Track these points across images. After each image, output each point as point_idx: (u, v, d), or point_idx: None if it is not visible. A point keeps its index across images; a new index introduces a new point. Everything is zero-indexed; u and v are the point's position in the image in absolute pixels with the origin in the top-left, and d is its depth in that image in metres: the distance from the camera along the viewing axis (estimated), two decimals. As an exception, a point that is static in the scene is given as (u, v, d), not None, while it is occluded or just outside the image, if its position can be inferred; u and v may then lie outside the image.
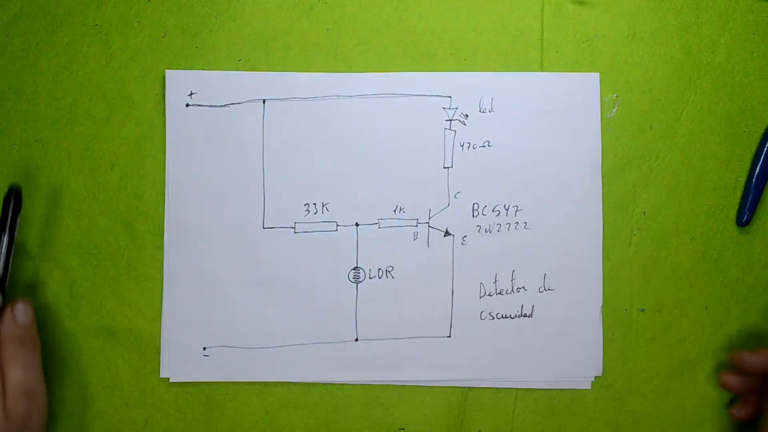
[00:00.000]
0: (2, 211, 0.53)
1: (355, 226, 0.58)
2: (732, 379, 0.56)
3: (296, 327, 0.58)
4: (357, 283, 0.58)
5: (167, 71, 0.58)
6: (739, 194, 0.58)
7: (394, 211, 0.58)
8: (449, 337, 0.58)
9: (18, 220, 0.53)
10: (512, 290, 0.58)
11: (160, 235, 0.58)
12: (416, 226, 0.58)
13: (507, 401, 0.58)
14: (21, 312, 0.52)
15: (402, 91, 0.58)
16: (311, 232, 0.58)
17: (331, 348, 0.58)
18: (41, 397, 0.52)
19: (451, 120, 0.58)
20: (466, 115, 0.58)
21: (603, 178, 0.58)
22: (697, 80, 0.59)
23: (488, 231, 0.58)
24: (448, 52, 0.58)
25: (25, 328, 0.52)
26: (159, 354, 0.58)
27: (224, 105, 0.58)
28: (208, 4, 0.58)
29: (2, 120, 0.58)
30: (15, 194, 0.53)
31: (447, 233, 0.58)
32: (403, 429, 0.58)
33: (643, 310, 0.58)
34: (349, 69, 0.58)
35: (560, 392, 0.58)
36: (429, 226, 0.58)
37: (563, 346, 0.58)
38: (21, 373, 0.51)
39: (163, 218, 0.58)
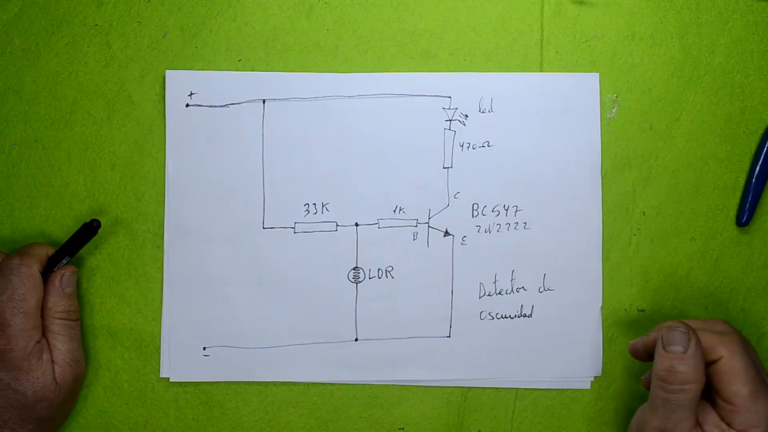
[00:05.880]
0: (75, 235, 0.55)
1: (355, 226, 0.58)
2: (639, 342, 0.53)
3: (296, 327, 0.58)
4: (357, 283, 0.58)
5: (167, 71, 0.58)
6: (738, 194, 0.58)
7: (394, 211, 0.58)
8: (449, 337, 0.58)
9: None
10: (512, 290, 0.58)
11: (160, 235, 0.58)
12: (416, 226, 0.58)
13: (507, 401, 0.58)
14: (66, 283, 0.55)
15: (402, 91, 0.58)
16: (311, 232, 0.58)
17: (331, 348, 0.58)
18: (84, 365, 0.56)
19: (450, 120, 0.58)
20: (466, 116, 0.58)
21: (602, 178, 0.58)
22: (697, 80, 0.59)
23: (488, 231, 0.58)
24: (447, 53, 0.58)
25: (71, 299, 0.55)
26: (159, 354, 0.58)
27: (224, 105, 0.58)
28: (208, 4, 0.58)
29: (2, 120, 0.58)
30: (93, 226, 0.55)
31: (447, 233, 0.58)
32: (403, 429, 0.58)
33: (642, 310, 0.58)
34: (349, 69, 0.58)
35: (560, 392, 0.58)
36: (429, 227, 0.58)
37: (563, 346, 0.58)
38: (69, 343, 0.54)
39: (163, 218, 0.58)
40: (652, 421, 0.49)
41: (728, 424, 0.48)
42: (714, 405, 0.49)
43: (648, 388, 0.51)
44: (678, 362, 0.48)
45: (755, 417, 0.48)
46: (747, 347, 0.50)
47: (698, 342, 0.49)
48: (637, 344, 0.53)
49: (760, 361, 0.51)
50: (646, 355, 0.52)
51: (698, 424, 0.49)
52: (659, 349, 0.49)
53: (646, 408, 0.51)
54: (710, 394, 0.50)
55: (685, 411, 0.48)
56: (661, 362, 0.49)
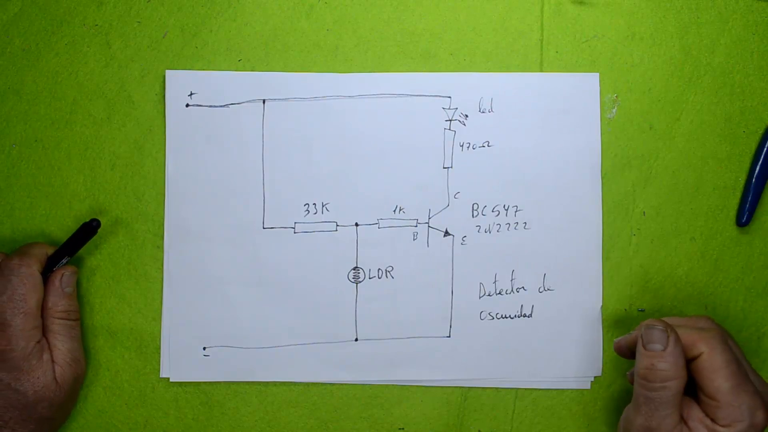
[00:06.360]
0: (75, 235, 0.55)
1: (355, 226, 0.58)
2: (622, 341, 0.53)
3: (296, 327, 0.58)
4: (357, 283, 0.58)
5: (167, 71, 0.58)
6: (738, 194, 0.58)
7: (394, 211, 0.58)
8: (449, 337, 0.58)
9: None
10: (512, 290, 0.58)
11: (160, 235, 0.58)
12: (416, 226, 0.58)
13: (507, 401, 0.58)
14: (66, 283, 0.55)
15: (402, 91, 0.58)
16: (311, 232, 0.58)
17: (331, 348, 0.58)
18: (84, 365, 0.56)
19: (450, 120, 0.58)
20: (466, 116, 0.58)
21: (602, 178, 0.58)
22: (697, 80, 0.59)
23: (488, 231, 0.58)
24: (447, 53, 0.58)
25: (71, 299, 0.55)
26: (159, 354, 0.58)
27: (224, 105, 0.58)
28: (208, 4, 0.58)
29: (2, 120, 0.58)
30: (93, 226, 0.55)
31: (447, 233, 0.58)
32: (403, 429, 0.58)
33: (642, 311, 0.58)
34: (349, 69, 0.58)
35: (560, 392, 0.58)
36: (429, 227, 0.58)
37: (563, 346, 0.58)
38: (69, 343, 0.54)
39: (163, 218, 0.58)
40: (637, 419, 0.49)
41: (712, 420, 0.48)
42: (698, 401, 0.49)
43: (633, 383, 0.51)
44: (658, 360, 0.49)
45: (738, 411, 0.48)
46: (728, 342, 0.50)
47: (677, 339, 0.49)
48: (620, 342, 0.53)
49: (744, 356, 0.51)
50: (629, 354, 0.52)
51: (683, 420, 0.49)
52: (639, 348, 0.50)
53: (631, 407, 0.51)
54: (695, 390, 0.50)
55: (668, 408, 0.48)
56: (641, 361, 0.49)
